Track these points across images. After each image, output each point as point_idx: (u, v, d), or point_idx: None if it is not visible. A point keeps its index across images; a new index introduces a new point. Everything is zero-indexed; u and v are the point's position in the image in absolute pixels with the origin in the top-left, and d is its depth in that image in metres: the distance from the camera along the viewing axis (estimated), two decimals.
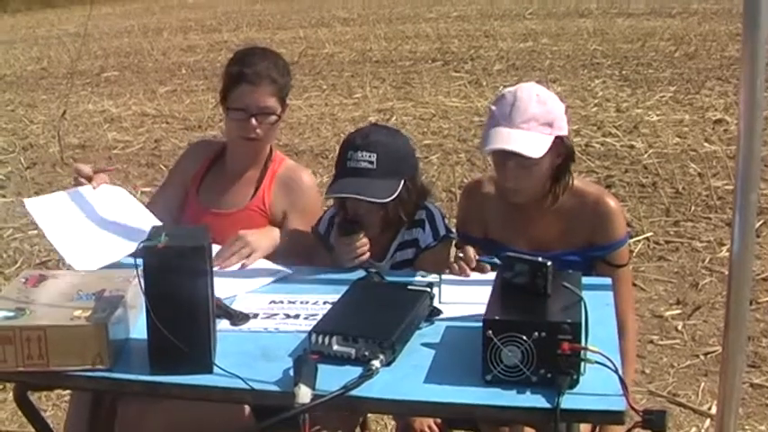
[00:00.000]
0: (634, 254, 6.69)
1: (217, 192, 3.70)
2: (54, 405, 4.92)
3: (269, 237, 3.50)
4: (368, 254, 3.33)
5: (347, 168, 3.29)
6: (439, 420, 3.47)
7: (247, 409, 3.07)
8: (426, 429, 3.34)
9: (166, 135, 11.17)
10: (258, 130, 3.53)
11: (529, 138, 3.13)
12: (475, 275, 3.17)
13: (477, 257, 3.21)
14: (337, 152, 3.39)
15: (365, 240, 3.32)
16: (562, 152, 3.26)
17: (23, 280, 2.86)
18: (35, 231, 7.82)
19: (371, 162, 3.25)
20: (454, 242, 3.52)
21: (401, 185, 3.28)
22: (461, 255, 3.23)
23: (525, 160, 3.14)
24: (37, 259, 7.23)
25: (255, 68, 3.51)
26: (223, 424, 3.04)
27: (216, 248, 3.28)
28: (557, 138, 3.19)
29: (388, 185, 3.26)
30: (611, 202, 3.34)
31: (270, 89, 3.53)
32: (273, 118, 3.56)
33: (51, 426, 3.19)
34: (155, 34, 21.76)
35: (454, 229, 3.55)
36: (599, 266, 3.33)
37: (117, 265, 3.08)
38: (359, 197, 3.24)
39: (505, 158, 3.18)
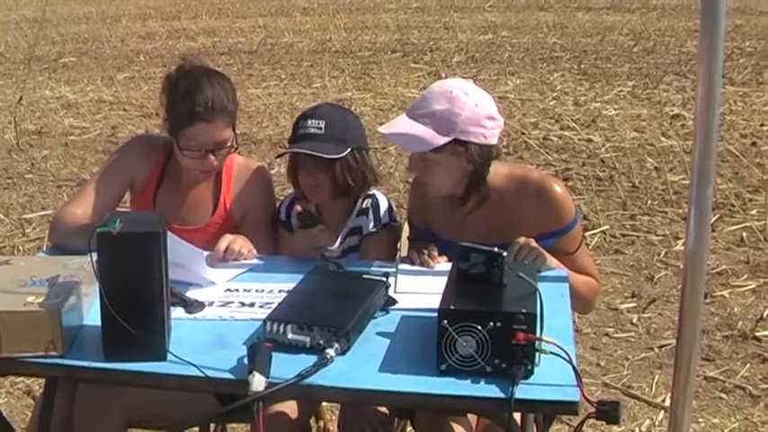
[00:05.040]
0: (590, 247, 6.72)
1: (174, 204, 3.57)
2: (7, 393, 4.88)
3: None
4: (326, 244, 3.41)
5: (298, 135, 3.46)
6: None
7: None
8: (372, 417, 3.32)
9: (123, 122, 11.09)
10: (216, 163, 3.47)
11: (417, 131, 3.14)
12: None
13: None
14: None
15: (324, 232, 3.38)
16: (472, 160, 3.19)
17: None
18: None
19: (320, 128, 3.43)
20: (406, 234, 3.60)
21: (348, 151, 3.44)
22: (425, 250, 3.27)
23: (421, 153, 3.18)
24: None
25: (207, 103, 3.35)
26: (183, 408, 3.01)
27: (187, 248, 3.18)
28: (464, 144, 3.14)
29: (335, 148, 3.42)
30: (555, 187, 3.28)
31: (224, 122, 3.42)
32: (228, 148, 3.50)
33: (4, 413, 3.16)
34: (113, 21, 21.57)
35: (406, 218, 3.64)
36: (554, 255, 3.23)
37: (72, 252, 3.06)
38: (308, 152, 3.40)
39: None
